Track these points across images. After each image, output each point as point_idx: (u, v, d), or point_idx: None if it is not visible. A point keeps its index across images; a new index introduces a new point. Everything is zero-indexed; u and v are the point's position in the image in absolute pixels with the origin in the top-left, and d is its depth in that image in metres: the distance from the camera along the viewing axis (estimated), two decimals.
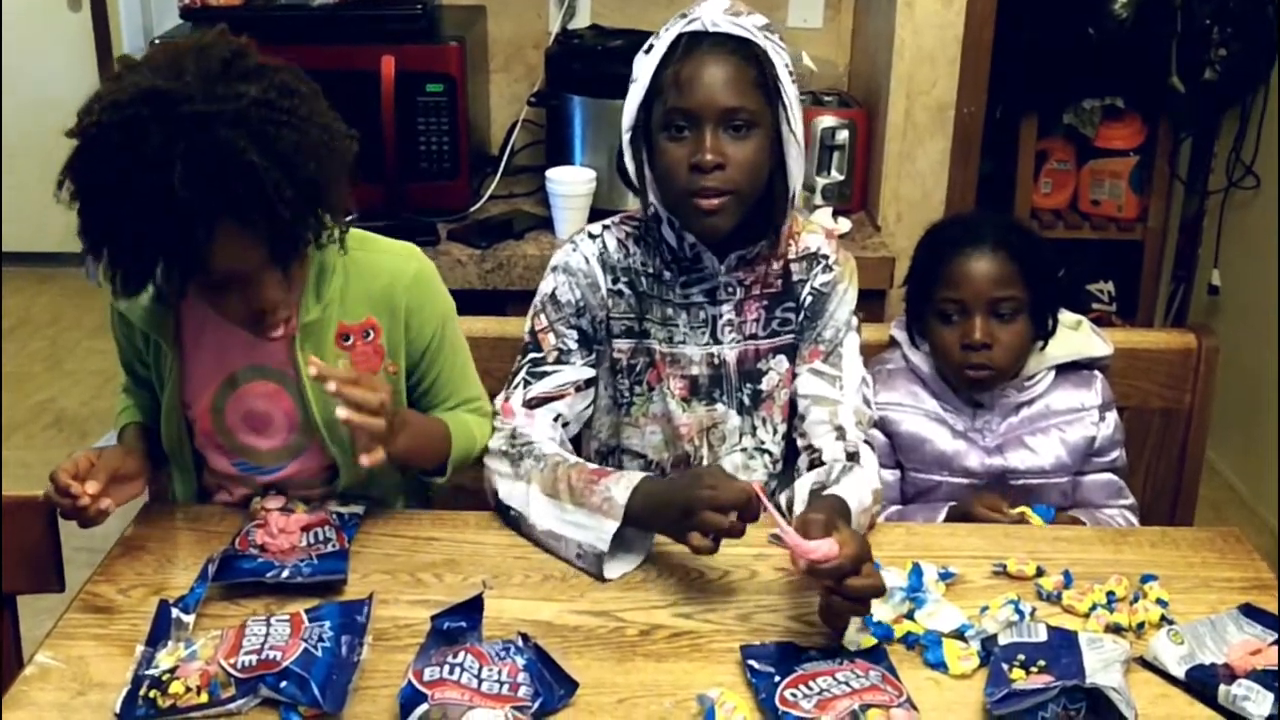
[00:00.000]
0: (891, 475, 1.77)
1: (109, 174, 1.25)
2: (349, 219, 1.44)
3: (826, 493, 1.44)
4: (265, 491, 1.53)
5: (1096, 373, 1.80)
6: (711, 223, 1.52)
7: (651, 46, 1.53)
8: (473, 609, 1.28)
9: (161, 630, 1.27)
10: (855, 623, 1.31)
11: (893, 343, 1.84)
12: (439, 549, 1.48)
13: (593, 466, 1.51)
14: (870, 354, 1.78)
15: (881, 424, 1.76)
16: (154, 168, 1.23)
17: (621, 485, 1.43)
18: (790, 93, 1.52)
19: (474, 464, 1.60)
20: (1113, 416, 1.79)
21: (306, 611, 1.29)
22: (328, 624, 1.26)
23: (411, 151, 2.35)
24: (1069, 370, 1.78)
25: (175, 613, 1.29)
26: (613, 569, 1.43)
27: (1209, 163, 3.27)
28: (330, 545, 1.43)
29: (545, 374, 1.61)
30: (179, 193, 1.22)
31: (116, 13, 4.36)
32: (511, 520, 1.52)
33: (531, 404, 1.59)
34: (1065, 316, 1.78)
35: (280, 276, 1.38)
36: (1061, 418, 1.76)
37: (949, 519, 1.68)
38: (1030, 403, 1.76)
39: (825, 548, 1.23)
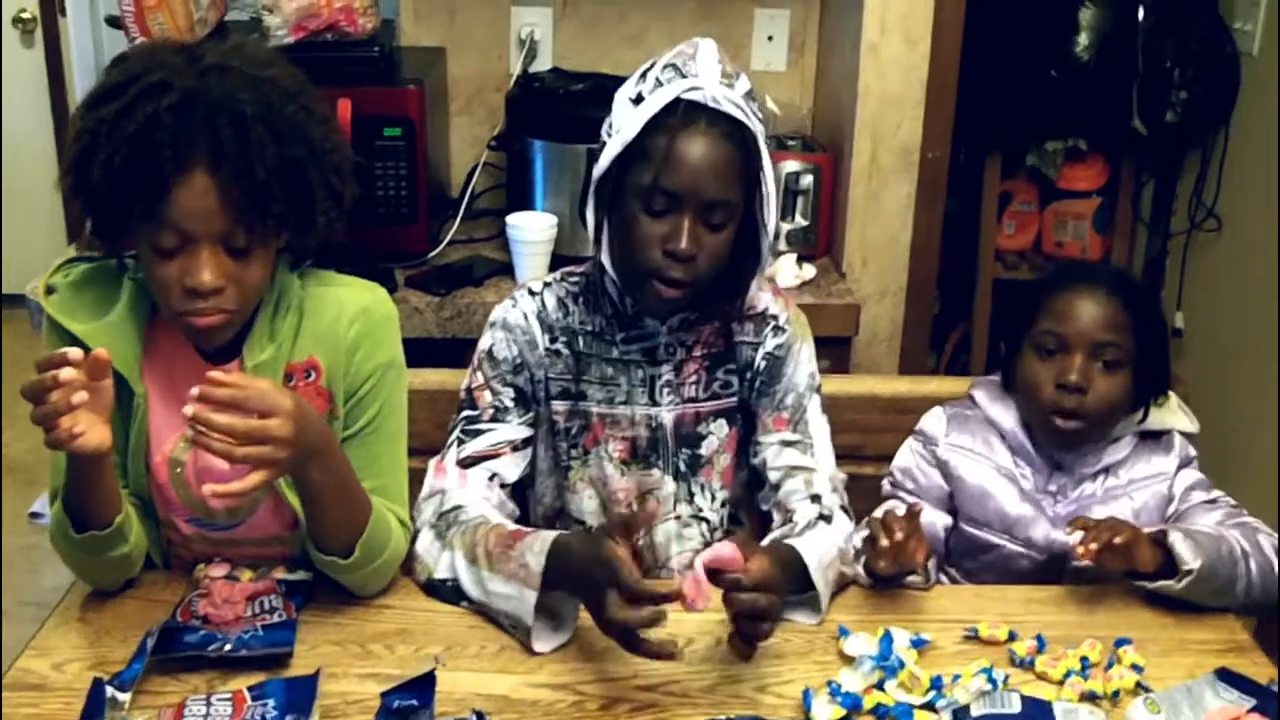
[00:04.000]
0: (942, 522, 1.67)
1: (110, 102, 1.27)
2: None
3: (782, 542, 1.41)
4: (210, 559, 1.47)
5: (1175, 432, 1.68)
6: (664, 307, 1.50)
7: (641, 97, 1.45)
8: (425, 685, 1.23)
9: (95, 709, 1.21)
10: (823, 694, 1.27)
11: (970, 401, 1.74)
12: (391, 617, 1.42)
13: (511, 528, 1.45)
14: (839, 405, 1.73)
15: (944, 467, 1.68)
16: (151, 93, 1.26)
17: (535, 550, 1.36)
18: (769, 182, 1.47)
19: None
20: (1192, 471, 1.68)
21: (249, 689, 1.24)
22: (271, 702, 1.21)
23: (369, 195, 2.29)
24: (1150, 438, 1.67)
25: (110, 691, 1.23)
26: (542, 642, 1.36)
27: (1171, 204, 3.28)
28: (277, 615, 1.37)
29: (480, 432, 1.56)
30: (165, 121, 1.25)
31: (68, 49, 4.30)
32: (448, 594, 1.45)
33: (465, 463, 1.54)
34: None
35: (230, 267, 1.31)
36: (1135, 485, 1.65)
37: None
38: (1110, 470, 1.65)
39: (726, 550, 1.26)
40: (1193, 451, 1.69)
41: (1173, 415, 1.70)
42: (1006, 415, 1.68)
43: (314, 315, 1.44)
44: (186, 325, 1.35)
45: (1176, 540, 1.45)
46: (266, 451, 1.24)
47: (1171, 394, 1.72)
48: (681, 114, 1.42)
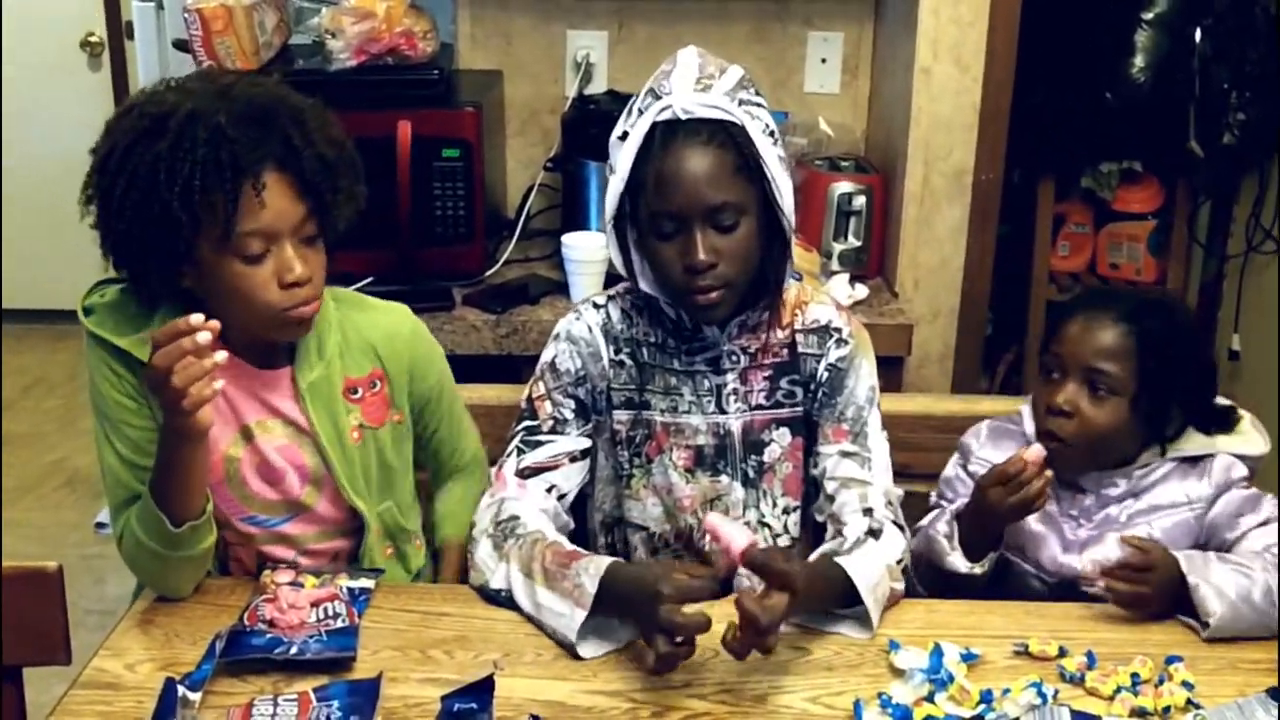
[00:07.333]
0: None
1: (154, 141, 1.33)
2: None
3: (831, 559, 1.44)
4: (275, 565, 1.51)
5: (1215, 455, 1.61)
6: (711, 315, 1.53)
7: (626, 134, 1.49)
8: (483, 690, 1.26)
9: (167, 708, 1.25)
10: (874, 705, 1.29)
11: (1018, 416, 1.70)
12: (450, 625, 1.45)
13: (569, 547, 1.48)
14: (891, 424, 1.74)
15: (975, 477, 1.63)
16: (202, 116, 1.33)
17: (591, 572, 1.39)
18: (773, 167, 1.49)
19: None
20: (1233, 495, 1.59)
21: (315, 690, 1.27)
22: (336, 704, 1.25)
23: (427, 215, 2.35)
24: (1188, 461, 1.61)
25: (182, 690, 1.27)
26: (587, 649, 1.39)
27: (1228, 227, 3.25)
28: (340, 620, 1.42)
29: (539, 443, 1.59)
30: (229, 133, 1.33)
31: (135, 73, 4.41)
32: (503, 602, 1.48)
33: (524, 474, 1.57)
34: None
35: (310, 256, 1.41)
36: (1161, 512, 1.59)
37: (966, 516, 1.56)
38: (1137, 494, 1.60)
39: (740, 538, 1.32)
40: (1238, 474, 1.61)
41: (1243, 440, 1.64)
42: None
43: (361, 334, 1.55)
44: (286, 321, 1.43)
45: (1200, 588, 1.46)
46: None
47: (1246, 416, 1.67)
48: (659, 138, 1.46)
